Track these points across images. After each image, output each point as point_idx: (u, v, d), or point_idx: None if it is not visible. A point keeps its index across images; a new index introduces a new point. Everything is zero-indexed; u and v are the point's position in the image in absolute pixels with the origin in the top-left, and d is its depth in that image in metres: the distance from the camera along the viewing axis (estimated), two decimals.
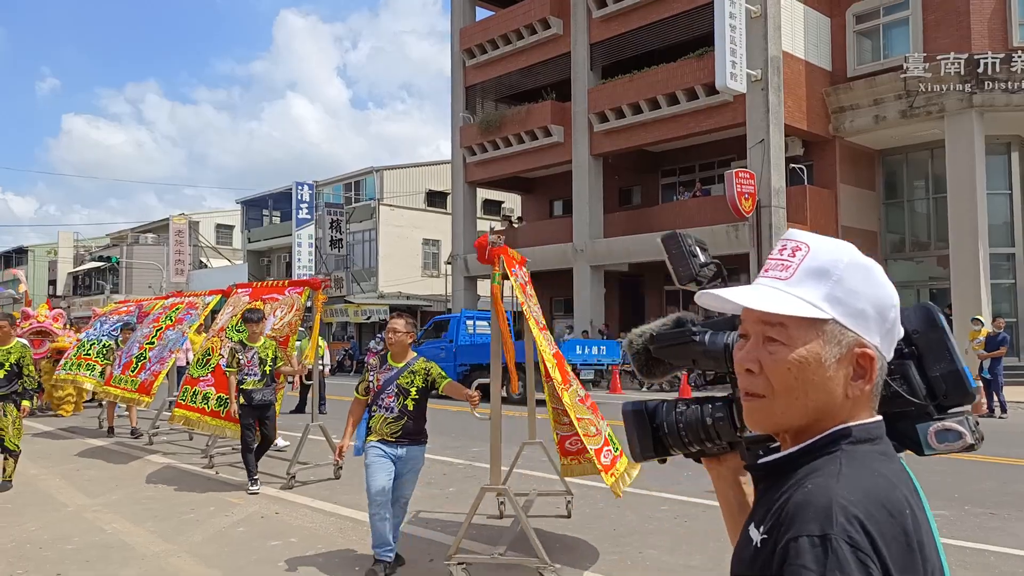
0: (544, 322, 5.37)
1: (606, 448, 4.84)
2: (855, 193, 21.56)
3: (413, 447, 4.95)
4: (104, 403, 12.30)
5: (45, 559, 5.23)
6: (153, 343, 10.09)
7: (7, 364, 7.66)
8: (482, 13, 28.08)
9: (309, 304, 8.84)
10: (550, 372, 4.76)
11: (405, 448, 4.90)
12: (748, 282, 1.06)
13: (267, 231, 44.56)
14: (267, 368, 7.36)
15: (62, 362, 11.92)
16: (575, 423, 4.62)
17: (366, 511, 6.34)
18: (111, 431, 11.45)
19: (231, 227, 50.87)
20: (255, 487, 7.26)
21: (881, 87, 19.71)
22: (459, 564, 4.59)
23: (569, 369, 5.29)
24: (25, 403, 7.94)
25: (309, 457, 8.50)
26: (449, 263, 30.87)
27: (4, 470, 7.62)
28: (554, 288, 27.25)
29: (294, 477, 7.56)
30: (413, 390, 4.92)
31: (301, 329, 10.45)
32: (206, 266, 46.13)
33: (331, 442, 7.95)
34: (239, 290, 9.29)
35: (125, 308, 12.46)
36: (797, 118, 20.03)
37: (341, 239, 35.38)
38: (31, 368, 8.05)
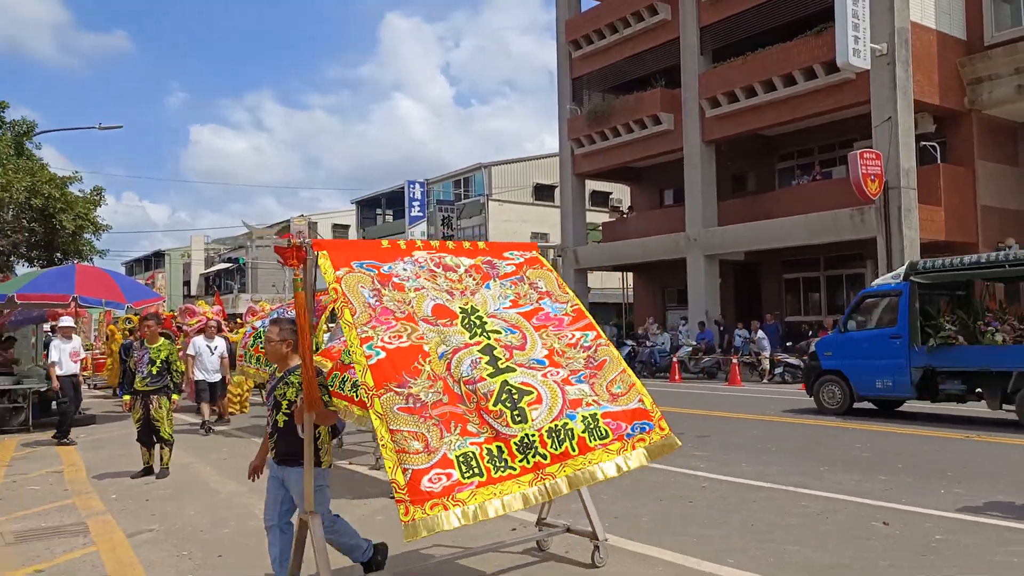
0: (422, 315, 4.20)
1: (437, 471, 3.61)
2: (996, 170, 20.05)
3: (295, 469, 4.19)
4: None
5: (206, 542, 5.58)
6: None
7: (158, 360, 8.26)
8: (587, 3, 27.86)
9: None
10: (362, 377, 3.82)
11: (286, 470, 4.23)
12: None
13: (381, 230, 46.04)
14: None
15: (241, 354, 10.99)
16: (385, 438, 3.65)
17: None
18: None
19: (347, 226, 52.80)
20: None
21: None
22: None
23: (427, 367, 3.95)
24: (175, 396, 8.56)
25: None
26: (558, 256, 30.92)
27: (161, 459, 8.21)
28: (666, 279, 26.79)
29: None
30: (284, 403, 4.22)
31: None
32: None
33: None
34: None
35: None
36: (928, 92, 18.82)
37: (452, 235, 36.06)
38: (179, 364, 8.65)
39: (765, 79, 20.63)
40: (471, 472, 3.70)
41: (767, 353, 19.19)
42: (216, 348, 12.31)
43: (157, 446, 8.25)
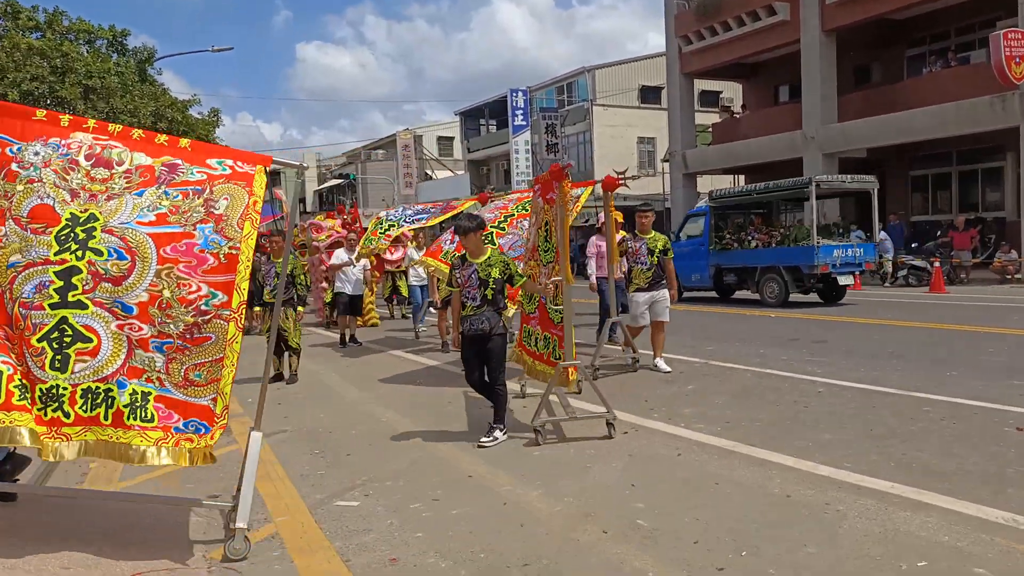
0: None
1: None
2: None
3: None
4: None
5: (336, 441, 6.00)
6: (503, 228, 8.30)
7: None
8: None
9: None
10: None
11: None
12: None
13: (485, 140, 45.94)
14: (489, 292, 5.69)
15: (362, 241, 10.89)
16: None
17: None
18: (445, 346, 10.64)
19: (451, 139, 53.02)
20: (487, 440, 5.65)
21: None
22: None
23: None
24: (300, 308, 9.09)
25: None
26: (666, 160, 30.04)
27: (290, 366, 8.79)
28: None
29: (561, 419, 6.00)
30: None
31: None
32: (431, 178, 48.69)
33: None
34: (536, 185, 7.30)
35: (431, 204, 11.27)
36: None
37: (557, 143, 35.58)
38: (303, 277, 9.11)
39: None
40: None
41: (890, 255, 18.29)
42: (360, 261, 11.66)
43: (286, 354, 8.81)
